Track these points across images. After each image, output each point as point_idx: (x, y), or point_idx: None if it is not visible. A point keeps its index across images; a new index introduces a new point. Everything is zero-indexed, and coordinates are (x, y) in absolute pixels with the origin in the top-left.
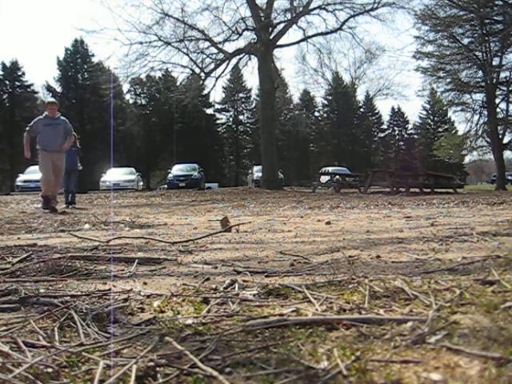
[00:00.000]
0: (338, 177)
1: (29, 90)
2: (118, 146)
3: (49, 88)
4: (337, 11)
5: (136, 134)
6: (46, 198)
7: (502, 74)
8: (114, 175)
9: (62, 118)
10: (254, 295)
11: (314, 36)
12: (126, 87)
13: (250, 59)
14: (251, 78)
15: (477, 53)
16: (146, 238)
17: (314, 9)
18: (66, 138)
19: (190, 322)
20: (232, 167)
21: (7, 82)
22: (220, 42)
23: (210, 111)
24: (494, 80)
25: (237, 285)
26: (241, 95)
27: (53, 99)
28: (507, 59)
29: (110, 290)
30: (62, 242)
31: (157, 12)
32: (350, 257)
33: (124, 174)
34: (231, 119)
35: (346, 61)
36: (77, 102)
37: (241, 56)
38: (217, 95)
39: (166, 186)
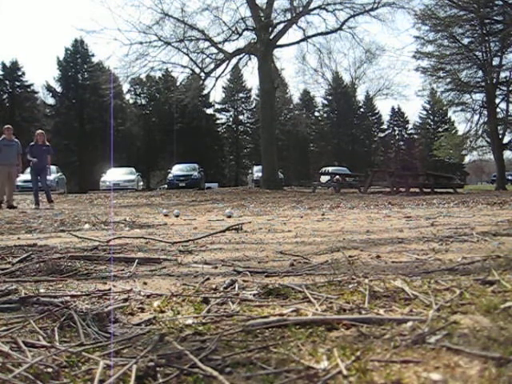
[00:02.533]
0: (337, 177)
1: (29, 90)
2: (118, 146)
3: (49, 88)
4: (337, 11)
5: (136, 134)
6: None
7: (502, 74)
8: (114, 175)
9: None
10: (253, 295)
11: (313, 36)
12: (126, 87)
13: (250, 59)
14: (251, 78)
15: (477, 53)
16: (146, 238)
17: (314, 9)
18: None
19: (190, 322)
20: (232, 167)
21: (7, 82)
22: (220, 42)
23: (210, 111)
24: (494, 80)
25: (237, 285)
26: (241, 95)
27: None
28: (507, 59)
29: (110, 290)
30: (61, 241)
31: (157, 12)
32: (350, 257)
33: (124, 174)
34: (231, 119)
35: (346, 61)
36: (77, 102)
37: (241, 56)
38: (217, 95)
39: (166, 185)
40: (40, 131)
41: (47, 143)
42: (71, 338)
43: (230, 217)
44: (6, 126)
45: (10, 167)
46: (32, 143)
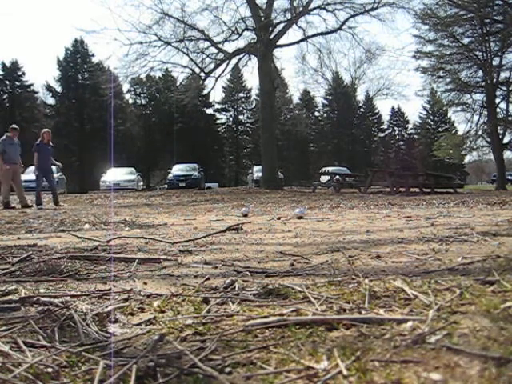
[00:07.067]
0: (337, 177)
1: (29, 89)
2: (118, 145)
3: (49, 88)
4: (337, 11)
5: (136, 134)
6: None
7: (502, 74)
8: (114, 175)
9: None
10: (253, 295)
11: (313, 36)
12: (126, 87)
13: (249, 59)
14: (251, 78)
15: (477, 52)
16: (146, 238)
17: (314, 9)
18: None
19: (189, 321)
20: (232, 167)
21: (7, 82)
22: (220, 42)
23: (210, 111)
24: (494, 80)
25: (237, 285)
26: (241, 95)
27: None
28: (507, 59)
29: (110, 289)
30: (61, 241)
31: (157, 12)
32: (350, 257)
33: (124, 173)
34: (231, 119)
35: (346, 61)
36: (77, 102)
37: (241, 56)
38: (217, 95)
39: (166, 185)
40: (47, 130)
41: (51, 143)
42: (71, 338)
43: (246, 215)
44: (12, 126)
45: (16, 166)
46: (38, 142)
